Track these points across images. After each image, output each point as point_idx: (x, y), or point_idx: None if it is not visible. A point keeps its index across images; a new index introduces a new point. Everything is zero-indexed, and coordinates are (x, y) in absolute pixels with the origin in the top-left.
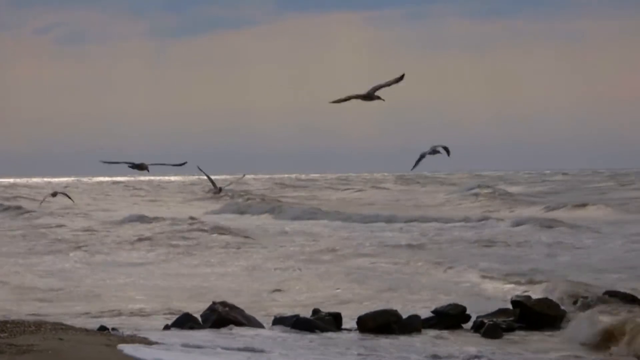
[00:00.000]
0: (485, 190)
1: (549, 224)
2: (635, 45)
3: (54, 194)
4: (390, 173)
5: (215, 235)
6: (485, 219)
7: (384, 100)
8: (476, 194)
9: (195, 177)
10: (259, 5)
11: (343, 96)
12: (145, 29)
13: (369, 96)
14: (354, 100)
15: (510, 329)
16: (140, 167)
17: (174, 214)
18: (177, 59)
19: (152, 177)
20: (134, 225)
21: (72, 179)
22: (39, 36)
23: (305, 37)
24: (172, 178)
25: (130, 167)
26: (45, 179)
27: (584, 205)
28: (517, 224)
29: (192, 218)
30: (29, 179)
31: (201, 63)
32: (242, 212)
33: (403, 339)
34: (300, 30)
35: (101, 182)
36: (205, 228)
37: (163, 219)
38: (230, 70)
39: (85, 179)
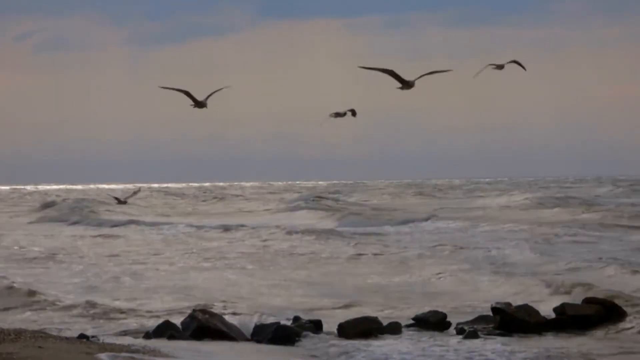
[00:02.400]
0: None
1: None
2: (615, 53)
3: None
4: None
5: None
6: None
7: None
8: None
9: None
10: (239, 13)
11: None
12: (126, 37)
13: (408, 83)
14: (335, 106)
15: (489, 335)
16: (200, 105)
17: None
18: (157, 67)
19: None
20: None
21: (55, 187)
22: (18, 43)
23: (286, 45)
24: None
25: (192, 105)
26: (28, 187)
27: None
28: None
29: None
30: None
31: (182, 71)
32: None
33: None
34: (281, 37)
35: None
36: None
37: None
38: (210, 78)
39: (63, 187)
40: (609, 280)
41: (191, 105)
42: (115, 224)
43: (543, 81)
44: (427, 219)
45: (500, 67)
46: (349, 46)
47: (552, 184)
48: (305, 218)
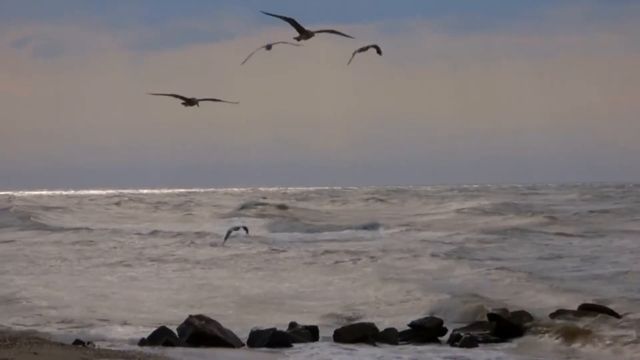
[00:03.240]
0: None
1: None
2: (610, 60)
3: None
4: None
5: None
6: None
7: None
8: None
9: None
10: (237, 19)
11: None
12: (123, 42)
13: (307, 33)
14: (332, 113)
15: (486, 341)
16: (191, 102)
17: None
18: (154, 72)
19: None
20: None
21: (50, 192)
22: (17, 49)
23: (282, 51)
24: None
25: (183, 103)
26: (26, 193)
27: None
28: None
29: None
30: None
31: (180, 76)
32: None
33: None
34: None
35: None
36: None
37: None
38: (207, 83)
39: (64, 192)
40: (497, 290)
41: (182, 104)
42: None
43: (540, 88)
44: (364, 227)
45: (364, 49)
46: (345, 52)
47: (528, 190)
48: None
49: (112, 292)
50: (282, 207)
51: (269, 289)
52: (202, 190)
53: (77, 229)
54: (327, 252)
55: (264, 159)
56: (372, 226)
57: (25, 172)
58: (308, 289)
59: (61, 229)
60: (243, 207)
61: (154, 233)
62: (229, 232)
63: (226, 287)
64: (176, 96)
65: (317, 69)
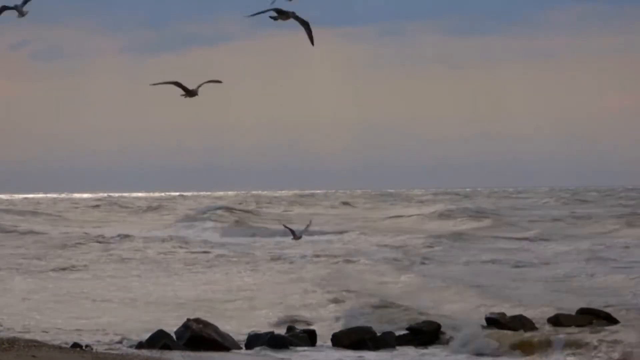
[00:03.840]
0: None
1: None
2: (612, 62)
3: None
4: (362, 190)
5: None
6: None
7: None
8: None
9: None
10: (235, 22)
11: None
12: (122, 45)
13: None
14: (331, 116)
15: None
16: (191, 93)
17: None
18: (153, 75)
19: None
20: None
21: (48, 195)
22: (14, 52)
23: (281, 54)
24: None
25: (182, 95)
26: (22, 195)
27: None
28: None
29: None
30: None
31: (178, 79)
32: None
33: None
34: (276, 46)
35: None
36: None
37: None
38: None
39: (63, 195)
40: (421, 296)
41: (182, 95)
42: None
43: (539, 90)
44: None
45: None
46: (345, 55)
47: (517, 194)
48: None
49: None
50: (247, 211)
51: (174, 291)
52: (196, 193)
53: (25, 233)
54: (249, 254)
55: (262, 162)
56: (318, 232)
57: (23, 175)
58: (230, 290)
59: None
60: (204, 212)
61: (94, 237)
62: (292, 231)
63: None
64: (177, 84)
65: (314, 73)
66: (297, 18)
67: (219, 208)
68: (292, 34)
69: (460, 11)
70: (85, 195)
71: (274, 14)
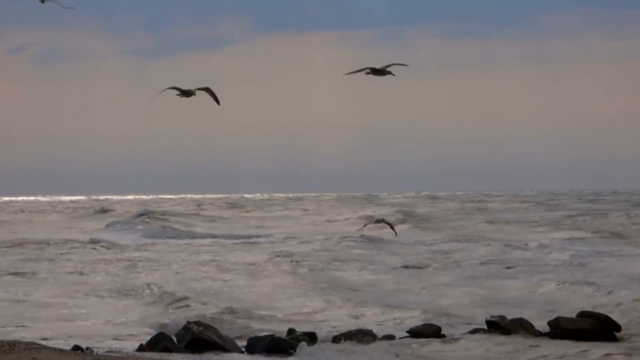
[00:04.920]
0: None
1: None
2: (609, 67)
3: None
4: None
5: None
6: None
7: (394, 75)
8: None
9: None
10: (236, 26)
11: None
12: (123, 49)
13: (382, 71)
14: (331, 119)
15: None
16: (188, 93)
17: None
18: (153, 79)
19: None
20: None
21: (48, 198)
22: (15, 55)
23: (282, 57)
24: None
25: (177, 94)
26: (25, 197)
27: None
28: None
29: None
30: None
31: (179, 83)
32: None
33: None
34: (277, 50)
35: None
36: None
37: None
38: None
39: (64, 198)
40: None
41: (177, 95)
42: None
43: (538, 94)
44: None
45: (379, 71)
46: (346, 59)
47: (488, 198)
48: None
49: None
50: (181, 214)
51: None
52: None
53: None
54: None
55: (268, 165)
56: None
57: (23, 177)
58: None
59: None
60: (141, 214)
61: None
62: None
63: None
64: (174, 88)
65: (313, 76)
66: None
67: (145, 213)
68: (292, 36)
69: (461, 15)
70: (99, 197)
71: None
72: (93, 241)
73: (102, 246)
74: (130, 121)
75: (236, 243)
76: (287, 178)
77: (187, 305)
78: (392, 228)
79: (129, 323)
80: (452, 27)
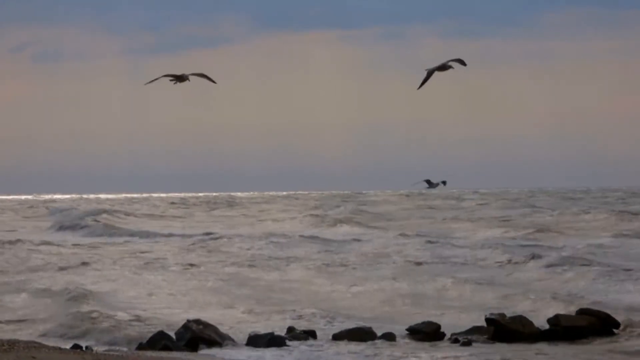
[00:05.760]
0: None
1: None
2: (609, 65)
3: None
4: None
5: None
6: None
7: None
8: None
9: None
10: (235, 24)
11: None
12: (122, 47)
13: (444, 67)
14: (331, 118)
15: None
16: (181, 79)
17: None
18: (153, 77)
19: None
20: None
21: (48, 196)
22: (16, 54)
23: (282, 56)
24: None
25: (171, 80)
26: (23, 197)
27: None
28: None
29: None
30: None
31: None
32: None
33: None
34: (277, 48)
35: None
36: None
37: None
38: (206, 89)
39: (59, 196)
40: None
41: (171, 81)
42: None
43: (538, 93)
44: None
45: (444, 68)
46: (346, 58)
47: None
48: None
49: None
50: (128, 214)
51: None
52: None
53: None
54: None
55: (267, 164)
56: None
57: (25, 177)
58: None
59: None
60: (94, 214)
61: None
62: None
63: None
64: (167, 75)
65: (315, 75)
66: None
67: (97, 213)
68: (291, 35)
69: (461, 14)
70: (100, 196)
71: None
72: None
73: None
74: (129, 119)
75: (148, 242)
76: (287, 177)
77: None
78: None
79: None
80: (452, 26)
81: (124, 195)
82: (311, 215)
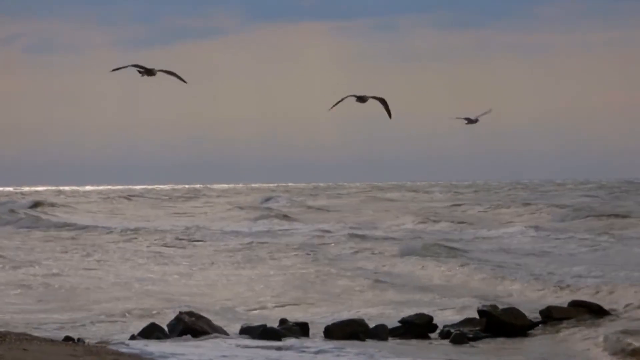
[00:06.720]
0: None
1: None
2: (604, 57)
3: None
4: (352, 182)
5: None
6: None
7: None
8: None
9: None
10: (228, 16)
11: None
12: (114, 39)
13: (363, 98)
14: (323, 109)
15: (476, 338)
16: (150, 72)
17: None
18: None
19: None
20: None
21: (41, 188)
22: (7, 46)
23: (275, 48)
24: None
25: (139, 71)
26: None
27: None
28: None
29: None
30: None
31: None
32: None
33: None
34: (270, 40)
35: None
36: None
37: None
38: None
39: (52, 188)
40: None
41: (139, 72)
42: None
43: (532, 85)
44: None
45: (362, 99)
46: (340, 49)
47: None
48: None
49: None
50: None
51: None
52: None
53: None
54: None
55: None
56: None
57: (15, 168)
58: None
59: None
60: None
61: None
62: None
63: None
64: (136, 66)
65: (307, 67)
66: (374, 98)
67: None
68: (284, 26)
69: (455, 5)
70: (92, 188)
71: (353, 99)
72: None
73: None
74: (120, 111)
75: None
76: (278, 168)
77: None
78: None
79: None
80: (447, 17)
81: (108, 187)
82: (239, 208)
